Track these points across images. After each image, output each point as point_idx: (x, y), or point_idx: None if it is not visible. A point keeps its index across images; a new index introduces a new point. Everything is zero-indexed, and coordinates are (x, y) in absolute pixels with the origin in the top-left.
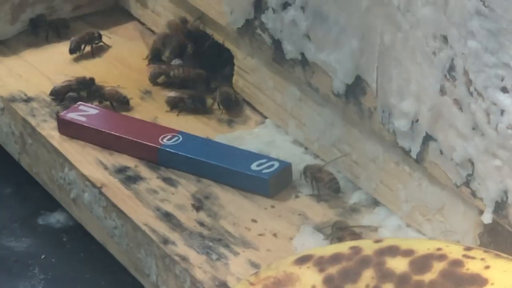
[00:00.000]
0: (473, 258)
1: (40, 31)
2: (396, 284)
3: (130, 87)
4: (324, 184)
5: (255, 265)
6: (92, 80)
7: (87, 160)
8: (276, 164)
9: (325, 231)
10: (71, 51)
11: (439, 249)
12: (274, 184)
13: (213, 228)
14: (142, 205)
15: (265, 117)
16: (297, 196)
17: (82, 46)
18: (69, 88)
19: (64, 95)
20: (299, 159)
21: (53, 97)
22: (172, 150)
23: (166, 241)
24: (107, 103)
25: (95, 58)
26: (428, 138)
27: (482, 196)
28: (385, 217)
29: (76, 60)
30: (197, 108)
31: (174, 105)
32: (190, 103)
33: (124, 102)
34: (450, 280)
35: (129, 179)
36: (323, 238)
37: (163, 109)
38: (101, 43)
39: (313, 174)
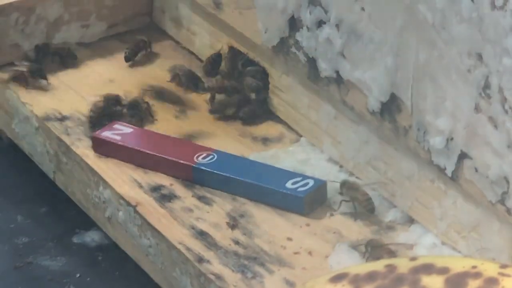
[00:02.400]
0: (508, 276)
1: (45, 58)
2: None
3: (165, 105)
4: (360, 203)
5: (290, 284)
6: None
7: (122, 179)
8: (311, 182)
9: (361, 249)
10: (126, 59)
11: (474, 267)
12: (309, 202)
13: (248, 247)
14: (177, 223)
15: (300, 135)
16: (332, 214)
17: (138, 54)
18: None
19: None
20: (334, 177)
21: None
22: (207, 169)
23: (201, 259)
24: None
25: (130, 76)
26: (463, 156)
27: None
28: (421, 235)
29: (111, 79)
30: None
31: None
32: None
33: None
34: None
35: (164, 197)
36: (358, 256)
37: (198, 127)
38: (150, 51)
39: (349, 193)
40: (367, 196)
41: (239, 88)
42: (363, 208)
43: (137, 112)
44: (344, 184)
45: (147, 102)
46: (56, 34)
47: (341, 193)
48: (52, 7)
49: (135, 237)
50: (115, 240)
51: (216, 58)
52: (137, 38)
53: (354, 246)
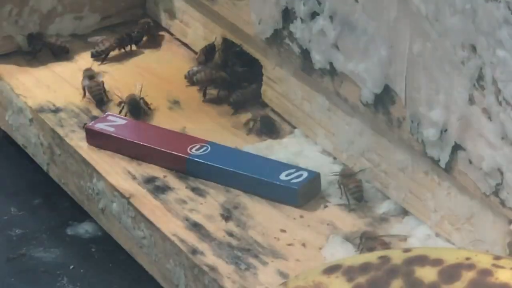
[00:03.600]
0: (502, 267)
1: (34, 48)
2: None
3: (159, 96)
4: (348, 191)
5: (284, 275)
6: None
7: (116, 171)
8: (305, 174)
9: (354, 240)
10: (135, 42)
11: (468, 258)
12: (303, 194)
13: (242, 238)
14: (170, 215)
15: (294, 127)
16: (326, 206)
17: (144, 38)
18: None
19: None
20: (327, 169)
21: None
22: (200, 160)
23: (194, 251)
24: None
25: (123, 67)
26: (457, 148)
27: (511, 206)
28: (414, 227)
29: (104, 70)
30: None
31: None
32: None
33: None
34: None
35: (158, 189)
36: (352, 247)
37: (192, 119)
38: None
39: (342, 180)
40: (356, 183)
41: (227, 79)
42: (351, 195)
43: (135, 107)
44: (339, 172)
45: (142, 98)
46: (49, 26)
47: (337, 182)
48: None
49: (129, 228)
50: (109, 231)
51: (209, 50)
52: (141, 21)
53: (348, 238)
